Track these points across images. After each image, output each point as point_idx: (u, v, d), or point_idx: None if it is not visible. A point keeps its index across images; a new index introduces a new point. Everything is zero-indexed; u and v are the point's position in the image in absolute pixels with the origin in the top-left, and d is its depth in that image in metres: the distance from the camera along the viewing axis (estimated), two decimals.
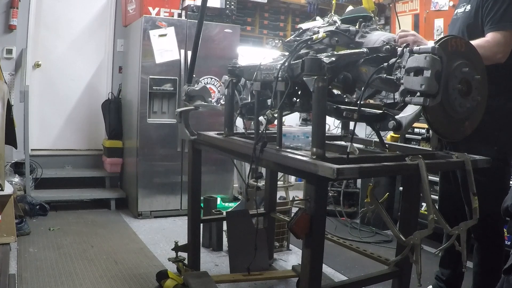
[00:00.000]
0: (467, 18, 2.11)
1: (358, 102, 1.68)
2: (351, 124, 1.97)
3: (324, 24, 2.03)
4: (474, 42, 1.92)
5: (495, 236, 2.15)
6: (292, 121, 4.88)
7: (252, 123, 2.16)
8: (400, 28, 2.05)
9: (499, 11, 1.97)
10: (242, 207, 3.40)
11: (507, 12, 1.96)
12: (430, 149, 2.00)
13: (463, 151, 1.88)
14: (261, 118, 1.96)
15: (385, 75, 1.62)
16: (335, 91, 2.11)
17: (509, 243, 2.90)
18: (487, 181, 1.96)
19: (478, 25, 2.05)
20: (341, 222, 4.06)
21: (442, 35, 3.13)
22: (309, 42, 1.90)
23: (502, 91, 2.04)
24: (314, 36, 1.90)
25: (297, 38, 2.07)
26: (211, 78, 4.16)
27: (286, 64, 1.81)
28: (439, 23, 4.02)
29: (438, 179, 2.52)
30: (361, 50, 1.77)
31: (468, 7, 2.11)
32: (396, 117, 1.63)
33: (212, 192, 3.95)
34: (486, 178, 1.95)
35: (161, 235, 3.61)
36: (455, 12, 2.25)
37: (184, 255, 2.68)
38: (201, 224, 2.80)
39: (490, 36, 1.98)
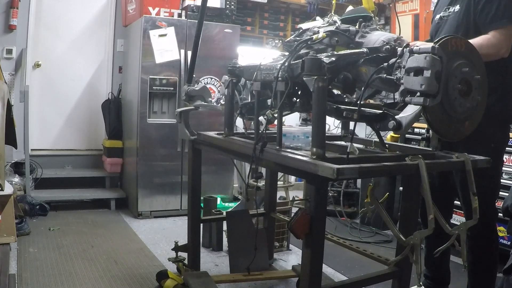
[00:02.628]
0: (456, 19, 2.12)
1: (358, 102, 1.67)
2: (351, 124, 1.96)
3: (324, 24, 2.03)
4: (474, 41, 1.93)
5: (489, 233, 2.16)
6: (292, 121, 4.88)
7: (252, 123, 2.16)
8: (400, 28, 2.05)
9: (498, 9, 1.99)
10: (242, 207, 3.40)
11: (505, 10, 1.99)
12: (430, 149, 1.99)
13: (460, 149, 1.87)
14: (261, 118, 1.96)
15: (385, 75, 1.62)
16: (335, 91, 2.11)
17: (509, 243, 2.90)
18: (481, 179, 1.95)
19: (469, 25, 2.07)
20: (341, 222, 4.06)
21: None
22: (309, 42, 1.90)
23: (495, 89, 2.04)
24: (314, 36, 1.90)
25: (297, 38, 2.07)
26: (211, 78, 4.16)
27: (286, 64, 1.81)
28: None
29: None
30: (361, 50, 1.76)
31: (457, 7, 2.13)
32: (396, 117, 1.63)
33: (212, 192, 3.95)
34: (480, 177, 1.94)
35: (161, 235, 3.61)
36: (438, 16, 2.26)
37: (184, 255, 2.68)
38: (201, 224, 2.80)
39: (491, 34, 2.00)
